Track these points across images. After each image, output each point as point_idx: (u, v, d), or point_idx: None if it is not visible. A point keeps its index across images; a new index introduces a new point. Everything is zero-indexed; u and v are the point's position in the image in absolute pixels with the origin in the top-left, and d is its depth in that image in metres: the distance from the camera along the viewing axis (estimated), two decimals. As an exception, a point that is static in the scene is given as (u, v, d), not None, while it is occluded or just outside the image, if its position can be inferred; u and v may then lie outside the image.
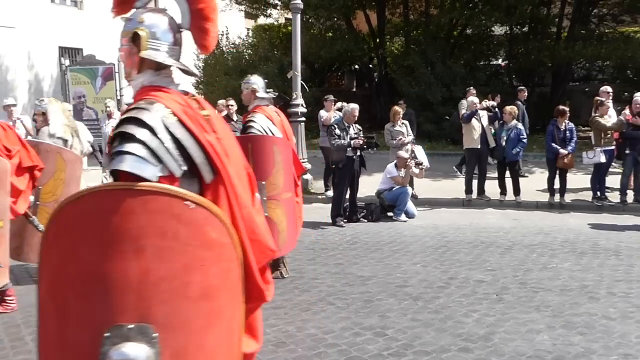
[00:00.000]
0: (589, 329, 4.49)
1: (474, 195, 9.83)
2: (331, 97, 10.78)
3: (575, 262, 6.36)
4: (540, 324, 4.60)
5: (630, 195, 9.38)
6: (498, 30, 19.21)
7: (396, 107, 10.08)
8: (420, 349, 4.17)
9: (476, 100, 9.64)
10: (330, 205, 8.63)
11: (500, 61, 21.21)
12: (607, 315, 4.76)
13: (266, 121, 5.59)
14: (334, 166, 8.44)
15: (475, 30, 18.25)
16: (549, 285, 5.56)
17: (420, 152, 9.61)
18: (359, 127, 8.59)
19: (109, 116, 11.29)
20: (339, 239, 7.54)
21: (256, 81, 5.78)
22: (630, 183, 9.44)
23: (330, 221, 8.38)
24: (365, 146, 8.36)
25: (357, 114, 8.43)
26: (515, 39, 18.94)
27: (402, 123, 9.75)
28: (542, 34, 18.36)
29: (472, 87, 12.57)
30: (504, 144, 9.42)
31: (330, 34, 19.37)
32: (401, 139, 9.50)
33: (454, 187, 10.58)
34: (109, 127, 10.49)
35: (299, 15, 10.68)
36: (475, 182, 9.81)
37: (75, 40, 18.11)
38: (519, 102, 11.78)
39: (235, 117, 9.52)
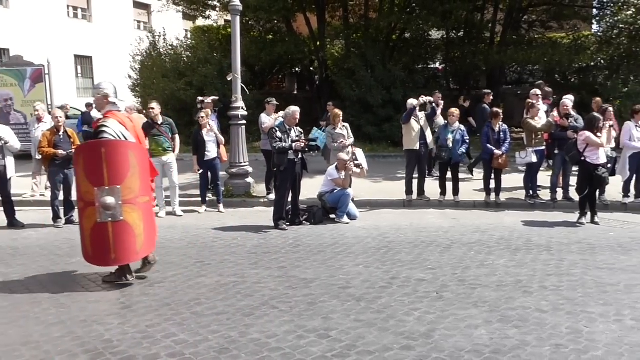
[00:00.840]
0: (523, 322, 4.66)
1: (414, 196, 10.01)
2: (273, 100, 10.67)
3: (510, 258, 6.59)
4: (478, 319, 4.73)
5: (560, 193, 9.83)
6: (435, 34, 19.74)
7: (336, 110, 10.14)
8: (364, 349, 4.20)
9: (414, 102, 9.77)
10: (272, 208, 8.57)
11: (437, 65, 21.80)
12: (540, 308, 4.95)
13: (119, 126, 5.69)
14: (275, 169, 8.38)
15: (414, 35, 18.66)
16: (486, 281, 5.73)
17: (360, 154, 9.71)
18: (300, 129, 8.59)
19: (39, 120, 10.58)
20: (281, 242, 7.50)
21: (108, 87, 5.82)
22: (559, 182, 9.89)
23: (273, 225, 8.32)
24: (306, 149, 8.36)
25: (298, 116, 8.41)
26: (451, 44, 19.52)
27: (343, 126, 9.81)
28: (476, 38, 19.02)
29: (437, 91, 12.92)
30: (450, 145, 9.60)
31: (270, 36, 19.32)
32: (342, 141, 9.57)
33: (395, 188, 10.75)
34: (39, 132, 9.95)
35: (238, 17, 10.56)
36: (415, 183, 9.99)
37: (0, 39, 17.21)
38: (485, 105, 12.15)
39: (160, 120, 9.28)
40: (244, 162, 10.62)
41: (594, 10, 19.67)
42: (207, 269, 6.28)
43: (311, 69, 21.35)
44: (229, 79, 10.83)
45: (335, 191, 8.77)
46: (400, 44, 19.06)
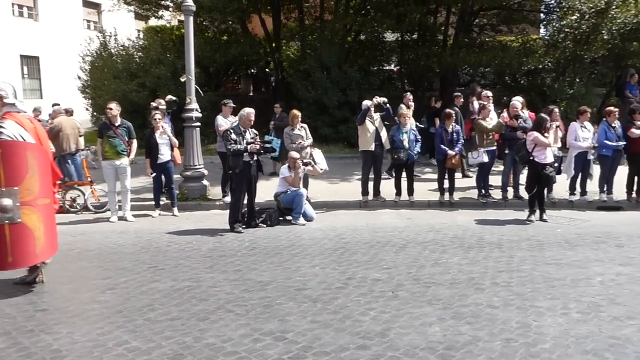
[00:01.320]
0: (476, 318, 4.76)
1: (370, 196, 10.10)
2: (230, 102, 10.56)
3: (463, 256, 6.73)
4: (432, 317, 4.81)
5: (510, 192, 10.10)
6: (390, 36, 19.97)
7: (295, 111, 10.12)
8: (320, 349, 4.20)
9: (368, 102, 9.85)
10: (228, 211, 8.48)
11: (392, 66, 22.07)
12: (492, 304, 5.08)
13: (17, 127, 5.61)
14: (230, 172, 8.29)
15: (369, 37, 18.82)
16: (440, 279, 5.83)
17: (318, 155, 9.73)
18: (256, 131, 8.54)
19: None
20: (237, 245, 7.43)
21: (5, 87, 5.74)
22: (510, 181, 10.17)
23: (229, 227, 8.24)
24: (262, 151, 8.32)
25: (252, 118, 8.36)
26: (405, 46, 19.79)
27: (301, 127, 9.81)
28: (430, 41, 19.34)
29: (408, 93, 13.04)
30: (406, 145, 9.71)
31: (225, 37, 19.11)
32: (300, 142, 9.57)
33: (351, 189, 10.83)
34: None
35: (191, 18, 10.41)
36: (371, 184, 10.08)
37: None
38: (456, 108, 12.38)
39: (118, 122, 9.07)
40: (199, 165, 10.48)
41: (541, 14, 20.34)
42: (160, 274, 6.16)
43: (267, 70, 21.26)
44: (182, 80, 10.67)
45: (289, 192, 8.76)
46: (356, 46, 19.18)
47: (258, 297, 5.38)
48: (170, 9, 19.81)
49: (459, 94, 12.99)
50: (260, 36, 19.14)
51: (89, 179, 9.96)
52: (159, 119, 9.44)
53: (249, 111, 8.36)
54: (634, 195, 9.86)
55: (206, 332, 4.54)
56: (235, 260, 6.68)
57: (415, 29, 18.88)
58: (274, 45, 18.60)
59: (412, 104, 12.20)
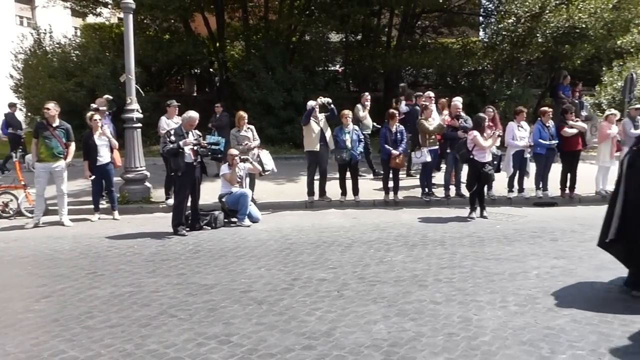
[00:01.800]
0: (419, 314, 4.85)
1: (316, 197, 10.12)
2: (174, 102, 10.30)
3: (408, 254, 6.84)
4: (377, 314, 4.86)
5: (452, 190, 10.36)
6: (335, 37, 20.12)
7: (241, 112, 10.00)
8: (265, 352, 4.16)
9: (313, 102, 9.88)
10: (171, 214, 8.30)
11: (337, 67, 22.24)
12: (434, 300, 5.18)
13: None
14: (173, 174, 8.10)
15: (313, 37, 18.89)
16: (385, 277, 5.90)
17: (266, 156, 9.66)
18: (199, 132, 8.38)
19: None
20: (181, 249, 7.27)
21: None
22: (452, 179, 10.43)
23: (172, 231, 8.06)
24: (209, 153, 8.16)
25: (195, 123, 8.15)
26: (350, 47, 20.01)
27: (248, 128, 9.72)
28: (374, 42, 19.62)
29: (366, 93, 13.05)
30: (349, 145, 9.77)
31: (167, 36, 18.75)
32: (247, 143, 9.47)
33: (297, 190, 10.82)
34: None
35: (130, 15, 10.12)
36: (317, 184, 10.10)
37: None
38: (417, 107, 12.52)
39: (57, 123, 8.71)
40: (140, 167, 10.20)
41: (480, 18, 21.02)
42: (100, 280, 5.95)
43: (211, 70, 21.00)
44: (122, 80, 10.36)
45: (234, 192, 8.66)
46: (301, 46, 19.23)
47: (202, 300, 5.28)
48: (109, 6, 19.22)
49: (420, 93, 13.28)
50: (203, 35, 18.87)
51: (23, 183, 9.51)
52: (98, 119, 9.12)
53: (193, 116, 8.12)
54: (567, 191, 10.32)
55: (148, 339, 4.42)
56: (179, 264, 6.53)
57: (359, 30, 19.13)
58: (217, 44, 18.38)
59: (368, 104, 12.32)
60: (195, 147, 7.98)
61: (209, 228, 8.38)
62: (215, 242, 7.62)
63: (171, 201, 9.32)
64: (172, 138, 7.91)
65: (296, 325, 4.65)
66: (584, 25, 16.54)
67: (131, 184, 10.11)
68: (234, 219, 8.71)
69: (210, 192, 9.46)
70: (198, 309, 5.07)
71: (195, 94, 22.01)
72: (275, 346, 4.26)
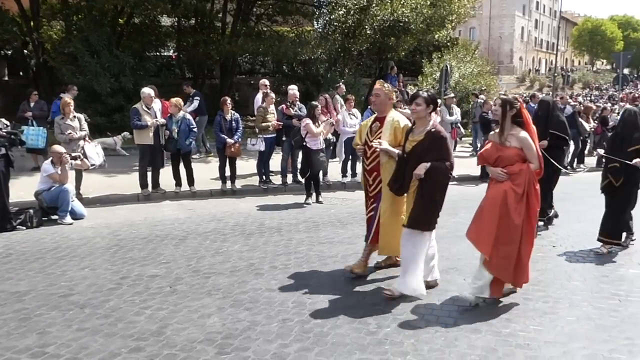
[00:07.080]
0: (254, 303, 4.81)
1: (150, 188, 9.59)
2: None
3: (244, 243, 6.78)
4: (212, 307, 4.73)
5: (289, 177, 10.51)
6: (166, 21, 19.24)
7: (66, 99, 9.07)
8: (87, 359, 3.81)
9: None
10: (-25, 214, 7.27)
11: (171, 52, 21.34)
12: (270, 288, 5.19)
13: None
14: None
15: (143, 20, 17.85)
16: (220, 269, 5.77)
17: (90, 149, 8.91)
18: (6, 121, 7.41)
19: None
20: (-13, 253, 6.41)
21: None
22: (288, 166, 10.58)
23: (-23, 233, 7.08)
24: (7, 143, 7.22)
25: None
26: (183, 31, 19.29)
27: (74, 116, 8.84)
28: (208, 28, 19.11)
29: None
30: (175, 136, 9.39)
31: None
32: (70, 133, 8.63)
33: (128, 182, 10.16)
34: None
35: None
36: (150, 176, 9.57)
37: None
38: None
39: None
40: None
41: (313, 8, 21.57)
42: None
43: (25, 52, 18.84)
44: None
45: (53, 188, 7.84)
46: (130, 29, 18.07)
47: (12, 310, 4.68)
48: None
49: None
50: (14, 12, 16.79)
51: None
52: None
53: None
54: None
55: (-60, 362, 3.80)
56: (-16, 271, 5.74)
57: (191, 15, 18.48)
58: (32, 24, 16.49)
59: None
60: None
61: (24, 228, 7.48)
62: (31, 243, 6.83)
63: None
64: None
65: (123, 327, 4.33)
66: (406, 20, 17.84)
67: None
68: (55, 217, 7.89)
69: (26, 188, 8.50)
70: (7, 320, 4.49)
71: (6, 78, 19.58)
72: (99, 352, 3.93)
